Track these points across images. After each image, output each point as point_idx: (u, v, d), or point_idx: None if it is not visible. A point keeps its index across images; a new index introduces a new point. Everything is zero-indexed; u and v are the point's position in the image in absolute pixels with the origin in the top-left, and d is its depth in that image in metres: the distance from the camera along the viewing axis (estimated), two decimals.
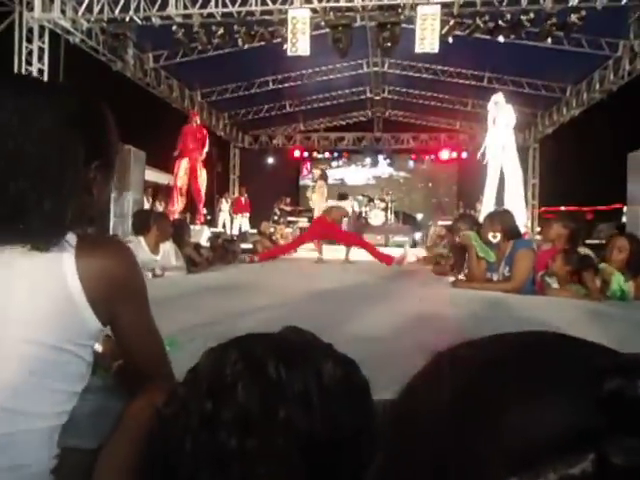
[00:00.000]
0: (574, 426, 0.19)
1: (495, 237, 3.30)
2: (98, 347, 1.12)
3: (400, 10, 7.34)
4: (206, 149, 8.82)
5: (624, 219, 9.60)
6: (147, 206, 9.73)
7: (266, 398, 0.47)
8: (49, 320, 0.69)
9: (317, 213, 8.45)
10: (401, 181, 16.61)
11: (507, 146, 7.22)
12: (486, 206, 7.31)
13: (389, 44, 7.69)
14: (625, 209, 8.39)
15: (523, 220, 7.88)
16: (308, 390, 0.49)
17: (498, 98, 7.37)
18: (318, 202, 9.10)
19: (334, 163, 16.76)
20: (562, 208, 13.83)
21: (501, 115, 7.23)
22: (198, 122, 8.96)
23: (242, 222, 12.55)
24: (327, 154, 16.22)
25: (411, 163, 16.56)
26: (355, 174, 16.85)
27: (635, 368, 0.20)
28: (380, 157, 16.54)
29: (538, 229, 10.68)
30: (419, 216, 14.54)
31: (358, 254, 6.02)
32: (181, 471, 0.47)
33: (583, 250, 3.33)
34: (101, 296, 0.73)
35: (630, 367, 0.21)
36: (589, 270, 2.96)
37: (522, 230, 6.97)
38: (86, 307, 0.72)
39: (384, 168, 16.82)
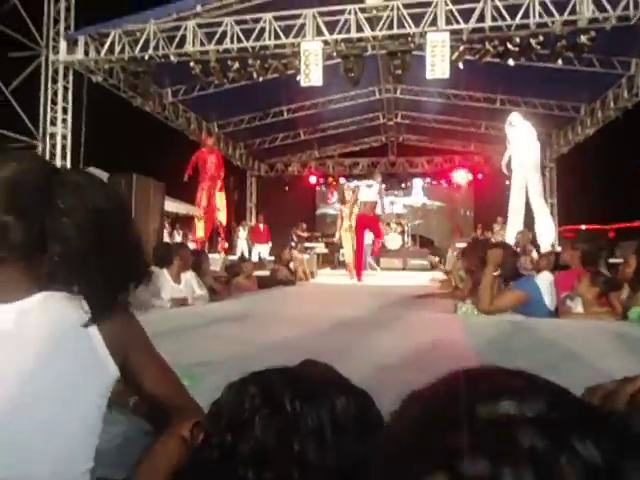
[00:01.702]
0: None
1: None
2: None
3: (410, 38, 7.50)
4: (222, 173, 8.91)
5: None
6: (166, 235, 9.90)
7: (282, 432, 0.50)
8: (73, 374, 0.70)
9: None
10: (418, 205, 16.55)
11: (530, 163, 7.13)
12: (513, 225, 7.19)
13: (400, 71, 7.84)
14: None
15: (552, 238, 7.76)
16: (322, 425, 0.52)
17: (513, 118, 7.36)
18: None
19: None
20: (582, 227, 13.62)
21: (520, 133, 7.18)
22: (210, 144, 9.03)
23: (261, 250, 12.62)
24: (345, 179, 16.17)
25: (426, 187, 16.50)
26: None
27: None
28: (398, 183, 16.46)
29: (559, 248, 10.52)
30: (436, 240, 14.47)
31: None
32: None
33: (609, 275, 3.27)
34: (116, 341, 0.75)
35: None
36: (617, 292, 2.90)
37: (549, 248, 6.87)
38: (106, 355, 0.73)
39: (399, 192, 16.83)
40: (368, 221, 7.57)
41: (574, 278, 3.19)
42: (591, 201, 13.35)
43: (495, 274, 3.20)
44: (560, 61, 7.75)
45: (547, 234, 7.21)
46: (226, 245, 11.09)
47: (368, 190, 7.68)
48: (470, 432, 0.25)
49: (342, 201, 8.17)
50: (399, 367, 1.71)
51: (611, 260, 6.15)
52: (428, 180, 16.19)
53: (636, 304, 2.94)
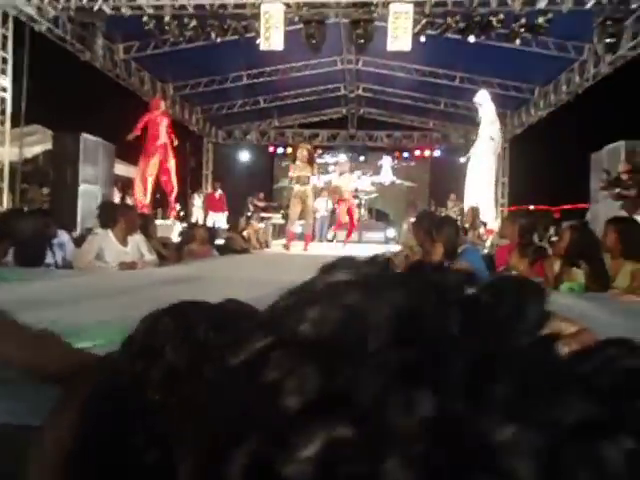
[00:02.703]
0: None
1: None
2: None
3: (373, 7, 7.40)
4: (173, 139, 8.55)
5: (588, 217, 9.92)
6: (117, 200, 9.53)
7: (193, 358, 0.49)
8: None
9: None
10: (387, 184, 16.59)
11: (487, 142, 7.31)
12: (470, 199, 7.39)
13: (362, 41, 7.75)
14: (589, 207, 8.69)
15: (492, 217, 8.05)
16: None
17: (478, 96, 7.43)
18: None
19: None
20: (531, 207, 14.18)
21: (484, 111, 7.31)
22: (163, 107, 8.59)
23: (216, 218, 12.41)
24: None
25: (395, 165, 16.52)
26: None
27: None
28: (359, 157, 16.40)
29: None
30: (392, 213, 14.68)
31: None
32: (112, 429, 0.48)
33: (540, 244, 3.42)
34: None
35: None
36: (546, 259, 3.05)
37: (490, 227, 7.13)
38: None
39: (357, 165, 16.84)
40: (348, 208, 8.28)
41: (507, 253, 3.32)
42: (541, 182, 13.88)
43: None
44: (518, 41, 7.90)
45: (491, 210, 7.49)
46: (178, 212, 10.82)
47: (344, 178, 7.99)
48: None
49: (293, 160, 7.45)
50: None
51: (553, 239, 6.46)
52: (394, 157, 16.21)
53: (568, 279, 3.10)
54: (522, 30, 7.46)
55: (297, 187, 7.18)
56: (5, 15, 7.80)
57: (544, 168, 13.98)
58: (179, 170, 9.23)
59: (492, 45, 8.35)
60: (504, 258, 3.26)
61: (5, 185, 8.16)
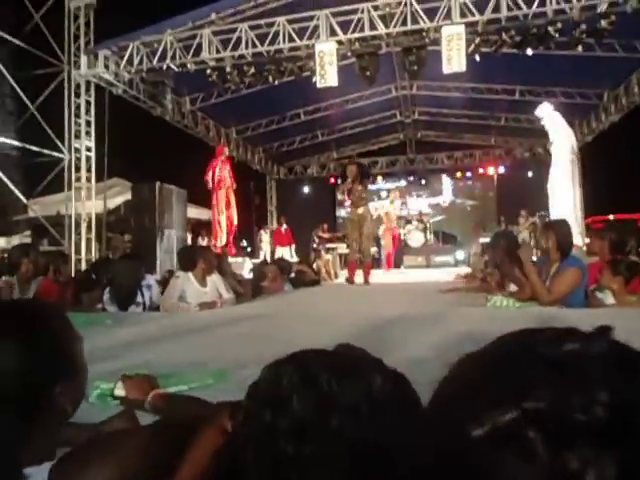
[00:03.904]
0: None
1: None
2: (120, 391, 1.14)
3: (425, 33, 7.45)
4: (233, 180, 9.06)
5: None
6: (189, 241, 10.05)
7: (319, 408, 0.51)
8: None
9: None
10: (446, 205, 16.29)
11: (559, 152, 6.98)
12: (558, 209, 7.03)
13: (416, 67, 7.79)
14: None
15: (576, 231, 7.57)
16: (359, 400, 0.52)
17: (539, 110, 7.16)
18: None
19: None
20: (611, 217, 13.27)
21: (549, 124, 7.02)
22: (227, 153, 9.20)
23: (284, 252, 12.66)
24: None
25: (455, 185, 16.19)
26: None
27: None
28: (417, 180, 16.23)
29: (587, 240, 10.27)
30: (459, 235, 14.29)
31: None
32: (245, 477, 0.50)
33: (635, 259, 3.18)
34: None
35: None
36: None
37: (575, 242, 6.69)
38: None
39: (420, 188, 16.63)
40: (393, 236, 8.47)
41: (597, 271, 3.09)
42: (619, 190, 13.01)
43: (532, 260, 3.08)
44: (580, 48, 7.59)
45: (573, 224, 7.04)
46: (248, 249, 11.18)
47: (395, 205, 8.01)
48: (538, 370, 0.25)
49: (343, 179, 6.62)
50: (434, 361, 1.70)
51: None
52: (453, 177, 15.89)
53: None
54: (584, 36, 7.16)
55: (352, 211, 6.42)
56: (88, 83, 8.67)
57: (622, 175, 13.12)
58: (245, 208, 9.66)
59: (552, 54, 8.09)
60: (594, 276, 3.04)
61: (92, 235, 8.89)
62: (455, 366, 0.31)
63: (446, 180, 15.96)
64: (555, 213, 7.04)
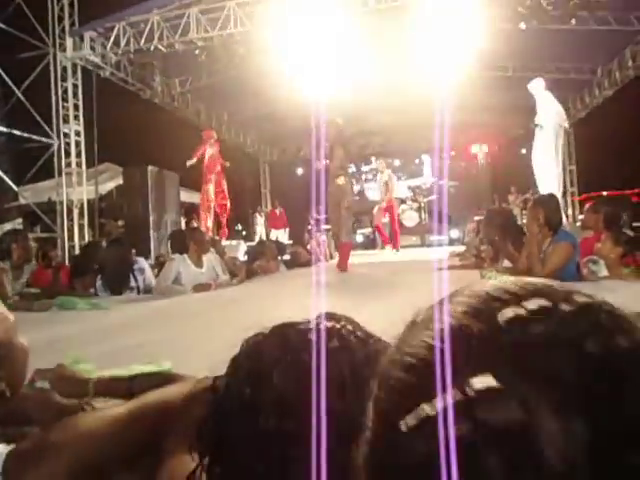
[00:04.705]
0: None
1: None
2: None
3: None
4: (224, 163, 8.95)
5: None
6: (183, 225, 10.00)
7: (301, 382, 0.50)
8: None
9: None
10: (427, 186, 16.09)
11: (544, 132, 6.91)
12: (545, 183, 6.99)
13: None
14: None
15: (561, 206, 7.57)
16: (342, 374, 0.51)
17: (534, 84, 7.05)
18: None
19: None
20: (604, 193, 13.29)
21: (538, 100, 6.94)
22: (215, 137, 8.96)
23: (278, 234, 12.64)
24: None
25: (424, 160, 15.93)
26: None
27: None
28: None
29: (581, 217, 10.29)
30: (453, 214, 14.25)
31: None
32: (225, 452, 0.50)
33: (629, 232, 3.19)
34: None
35: None
36: None
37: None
38: None
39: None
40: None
41: (595, 242, 3.11)
42: (611, 166, 13.01)
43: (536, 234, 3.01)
44: (573, 21, 7.50)
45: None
46: (243, 232, 11.14)
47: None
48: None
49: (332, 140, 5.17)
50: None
51: (635, 224, 5.99)
52: (432, 155, 15.57)
53: None
54: (577, 9, 7.07)
55: (331, 182, 5.15)
56: (74, 65, 8.48)
57: (614, 150, 13.11)
58: (238, 192, 9.56)
59: (545, 29, 7.97)
60: (589, 249, 3.05)
61: (85, 221, 8.81)
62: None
63: (425, 158, 15.65)
64: (542, 189, 7.02)
